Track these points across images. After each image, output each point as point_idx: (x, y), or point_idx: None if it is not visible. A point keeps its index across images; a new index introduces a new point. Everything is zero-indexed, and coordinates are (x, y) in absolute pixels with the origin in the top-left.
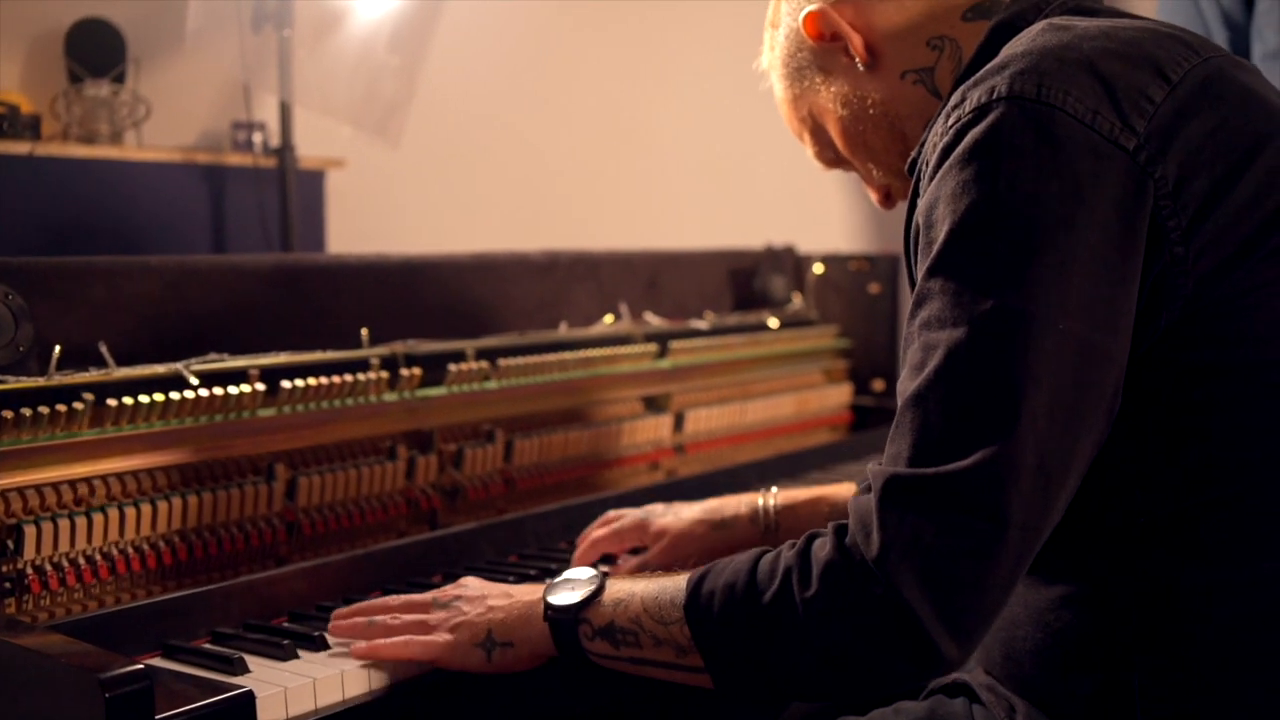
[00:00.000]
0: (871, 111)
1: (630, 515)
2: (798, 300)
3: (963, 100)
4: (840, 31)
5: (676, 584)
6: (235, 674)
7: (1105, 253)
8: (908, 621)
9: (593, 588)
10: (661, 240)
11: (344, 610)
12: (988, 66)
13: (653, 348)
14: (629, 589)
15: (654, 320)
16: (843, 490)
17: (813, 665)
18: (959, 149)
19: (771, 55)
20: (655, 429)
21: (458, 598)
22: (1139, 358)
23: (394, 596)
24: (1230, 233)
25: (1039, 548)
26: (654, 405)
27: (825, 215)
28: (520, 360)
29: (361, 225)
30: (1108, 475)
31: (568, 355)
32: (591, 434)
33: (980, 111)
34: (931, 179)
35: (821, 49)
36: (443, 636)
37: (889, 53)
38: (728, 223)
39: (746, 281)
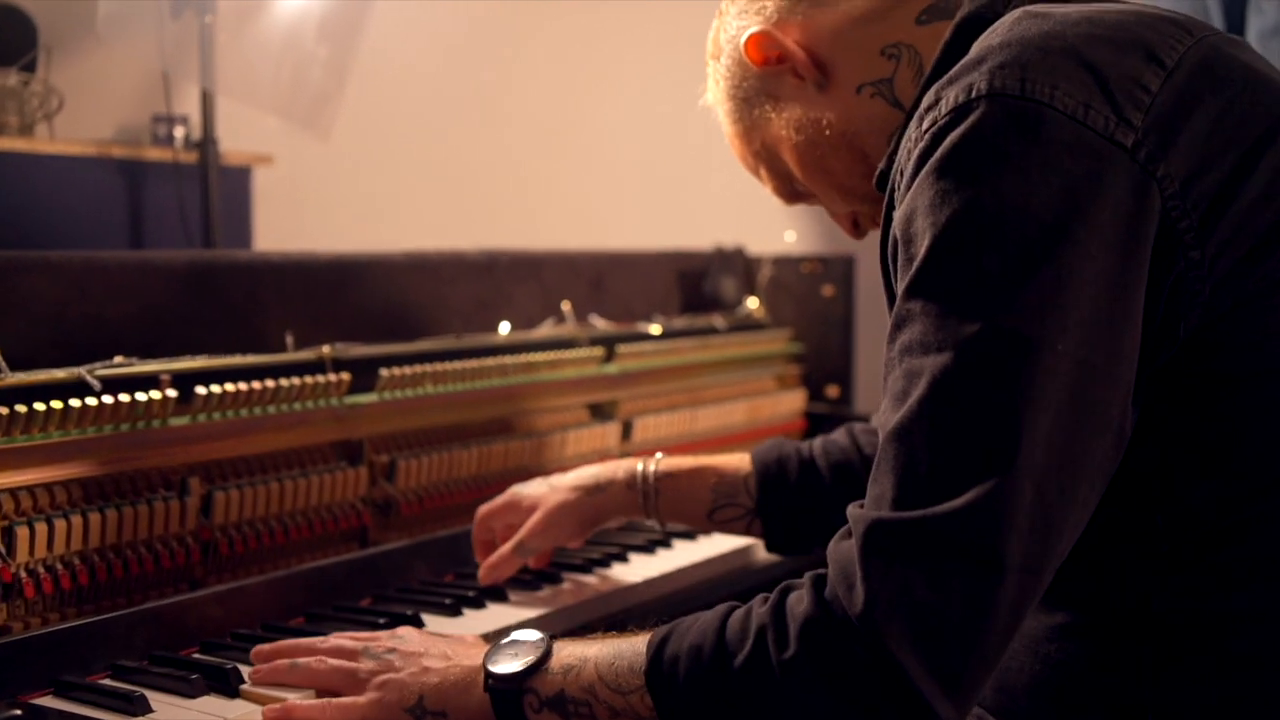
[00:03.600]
0: (828, 133)
1: (509, 491)
2: (749, 303)
3: (938, 100)
4: (786, 52)
5: (635, 647)
6: (135, 714)
7: (1107, 264)
8: (898, 683)
9: (539, 653)
10: (607, 240)
11: (265, 648)
12: (963, 62)
13: (599, 352)
14: (581, 653)
15: (599, 323)
16: (731, 461)
17: None
18: (937, 154)
19: (716, 89)
20: (602, 437)
21: (392, 650)
22: (1156, 372)
23: (321, 639)
24: (1247, 229)
25: (1042, 593)
26: (600, 413)
27: (776, 215)
28: (457, 365)
29: (292, 225)
30: (1124, 500)
31: (508, 359)
32: (534, 444)
33: (959, 112)
34: (908, 189)
35: (768, 74)
36: (369, 695)
37: (841, 68)
38: (676, 222)
39: (696, 283)
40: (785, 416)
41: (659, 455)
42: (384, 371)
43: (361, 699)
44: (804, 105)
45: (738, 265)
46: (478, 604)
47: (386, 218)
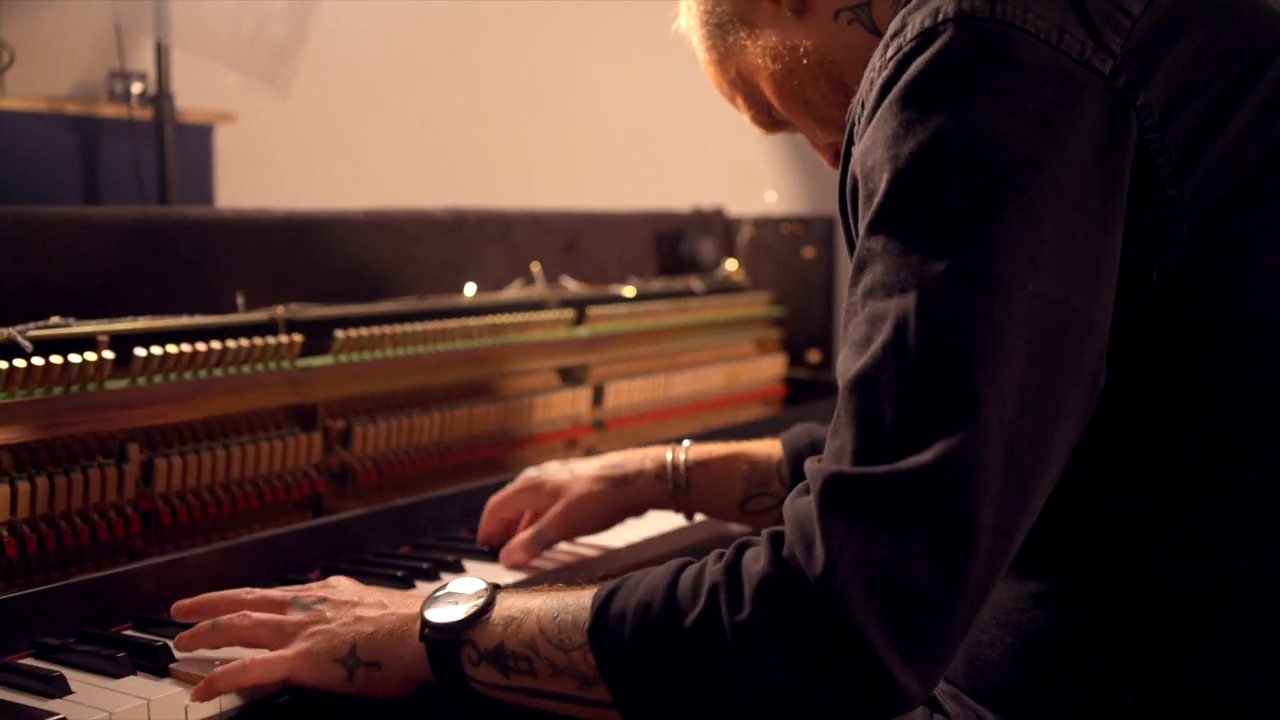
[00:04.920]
0: (806, 62)
1: (524, 475)
2: (728, 265)
3: (903, 27)
4: None
5: (580, 601)
6: (52, 696)
7: (1082, 198)
8: (859, 650)
9: (480, 603)
10: (581, 200)
11: (185, 604)
12: None
13: (569, 314)
14: (524, 605)
15: (571, 285)
16: (764, 447)
17: (745, 702)
18: (900, 83)
19: (689, 15)
20: (572, 403)
21: (323, 599)
22: (1128, 319)
23: (247, 590)
24: (1229, 166)
25: (1014, 554)
26: (571, 377)
27: (756, 175)
28: (418, 327)
29: (256, 185)
30: (1094, 458)
31: (472, 322)
32: (500, 409)
33: (924, 37)
34: (868, 122)
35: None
36: (295, 646)
37: None
38: (653, 182)
39: (673, 245)
40: (765, 382)
41: (687, 443)
42: (339, 333)
43: (288, 651)
44: (780, 32)
45: (716, 226)
46: (431, 576)
47: (355, 177)
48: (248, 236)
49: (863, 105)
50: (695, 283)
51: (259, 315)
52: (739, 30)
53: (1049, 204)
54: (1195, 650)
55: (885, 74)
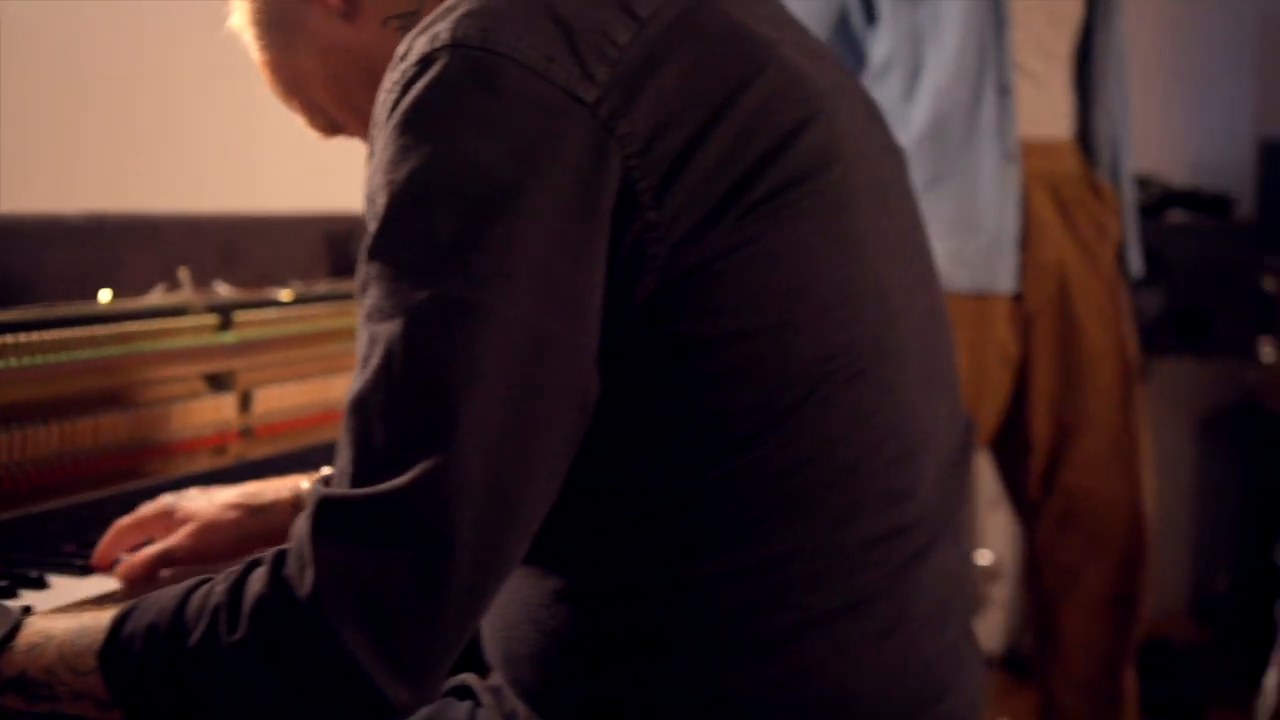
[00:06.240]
0: (356, 67)
1: (158, 501)
2: None
3: (408, 50)
4: None
5: (99, 623)
6: None
7: (563, 225)
8: (348, 668)
9: (5, 629)
10: (242, 202)
11: None
12: (439, 9)
13: (213, 320)
14: (47, 629)
15: (224, 290)
16: None
17: None
18: (399, 108)
19: (240, 13)
20: (216, 409)
21: None
22: (617, 336)
23: None
24: (706, 189)
25: (509, 566)
26: (218, 383)
27: None
28: (35, 336)
29: None
30: (591, 466)
31: (100, 330)
32: (132, 417)
33: (423, 63)
34: (378, 144)
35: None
36: None
37: None
38: (322, 182)
39: (344, 247)
40: None
41: (325, 470)
42: None
43: None
44: (331, 36)
45: None
46: (8, 594)
47: None
48: None
49: (376, 124)
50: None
51: None
52: (290, 31)
53: (530, 232)
54: (680, 644)
55: (391, 97)
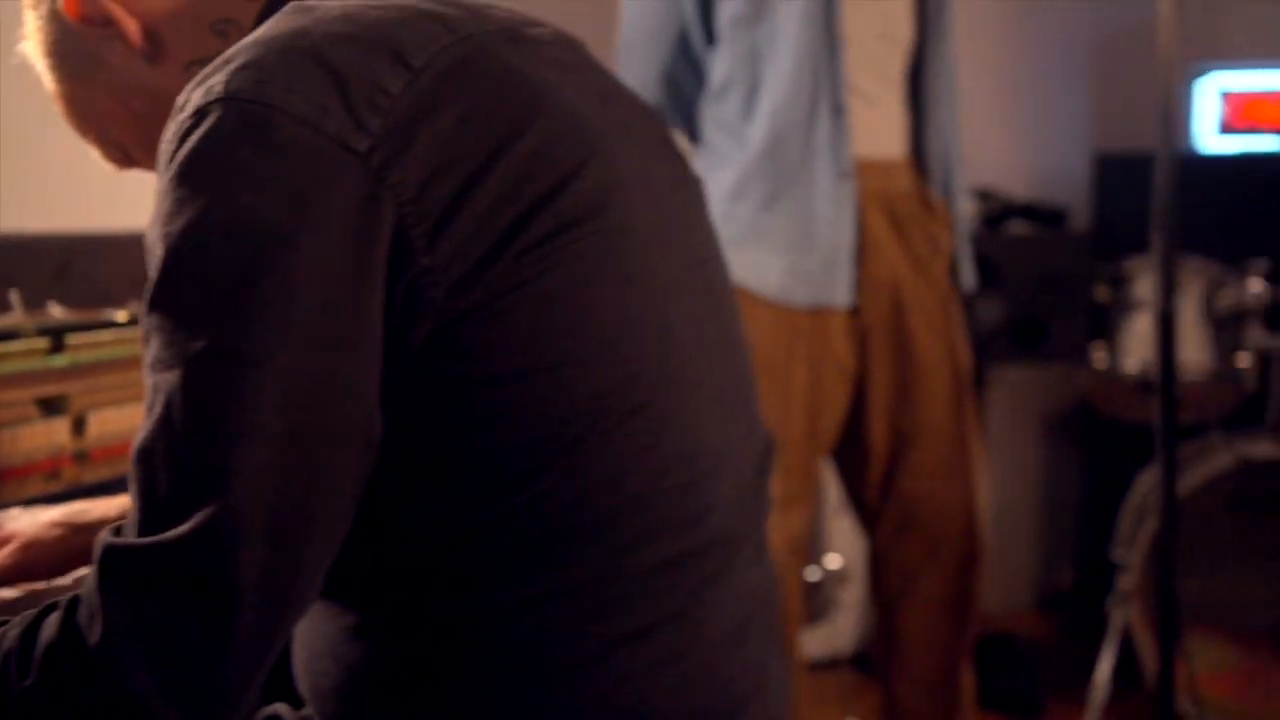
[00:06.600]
0: (155, 109)
1: None
2: None
3: (186, 101)
4: (112, 15)
5: None
6: None
7: (337, 274)
8: (138, 715)
9: None
10: (78, 220)
11: None
12: (216, 60)
13: (44, 343)
14: None
15: (58, 312)
16: None
17: None
18: (175, 160)
19: (34, 43)
20: (48, 434)
21: None
22: (398, 378)
23: None
24: (481, 234)
25: (299, 607)
26: (50, 408)
27: None
28: None
29: None
30: (380, 503)
31: None
32: None
33: (198, 116)
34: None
35: (92, 35)
36: None
37: (172, 40)
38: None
39: None
40: None
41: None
42: None
43: None
44: (133, 76)
45: None
46: None
47: None
48: None
49: (158, 174)
50: None
51: None
52: (88, 65)
53: (305, 281)
54: (477, 674)
55: (169, 148)
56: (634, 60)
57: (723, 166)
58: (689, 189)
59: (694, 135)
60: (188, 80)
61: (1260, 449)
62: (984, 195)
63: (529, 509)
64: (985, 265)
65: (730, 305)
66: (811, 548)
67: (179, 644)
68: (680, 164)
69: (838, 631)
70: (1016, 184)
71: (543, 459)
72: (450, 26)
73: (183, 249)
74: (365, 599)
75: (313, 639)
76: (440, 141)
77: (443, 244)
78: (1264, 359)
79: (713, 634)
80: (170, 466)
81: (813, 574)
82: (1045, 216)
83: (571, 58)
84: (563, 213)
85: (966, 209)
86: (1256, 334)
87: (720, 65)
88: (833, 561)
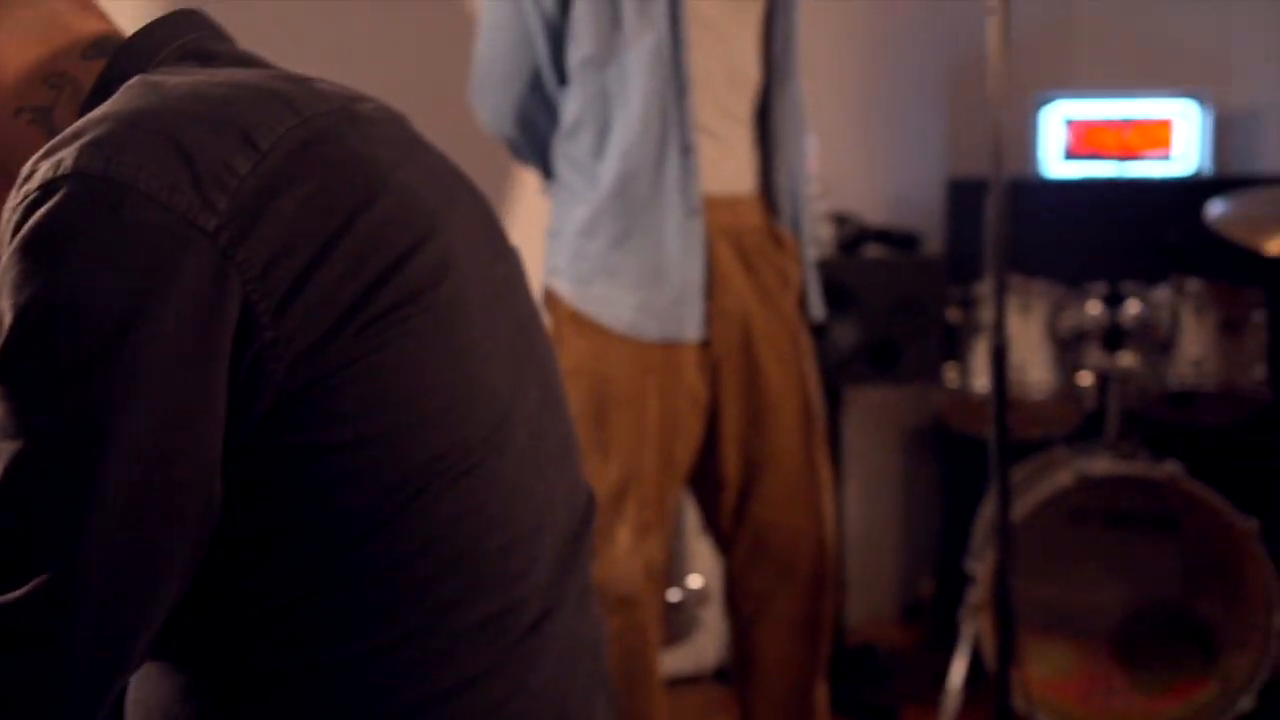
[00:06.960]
0: None
1: None
2: None
3: (34, 173)
4: None
5: None
6: None
7: (183, 348)
8: None
9: None
10: None
11: None
12: (64, 133)
13: None
14: None
15: None
16: None
17: None
18: (23, 232)
19: None
20: None
21: None
22: (242, 446)
23: None
24: (323, 310)
25: (130, 669)
26: None
27: None
28: None
29: None
30: (216, 565)
31: None
32: None
33: (46, 189)
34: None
35: None
36: None
37: (5, 87)
38: None
39: None
40: None
41: None
42: None
43: None
44: None
45: None
46: None
47: None
48: None
49: (3, 241)
50: None
51: None
52: None
53: (150, 356)
54: None
55: (16, 217)
56: (489, 98)
57: (575, 204)
58: (509, 259)
59: (548, 172)
60: (17, 128)
61: (1098, 465)
62: (840, 220)
63: (359, 570)
64: (841, 288)
65: (551, 366)
66: (674, 569)
67: (12, 704)
68: (500, 235)
69: (700, 648)
70: (873, 209)
71: (371, 524)
72: (294, 108)
73: (28, 321)
74: (198, 658)
75: (146, 698)
76: (285, 221)
77: (287, 320)
78: (1102, 378)
79: (536, 684)
80: (9, 532)
81: (675, 595)
82: (900, 241)
83: (401, 134)
84: (401, 289)
85: (823, 234)
86: (1095, 354)
87: (571, 105)
88: (694, 581)
